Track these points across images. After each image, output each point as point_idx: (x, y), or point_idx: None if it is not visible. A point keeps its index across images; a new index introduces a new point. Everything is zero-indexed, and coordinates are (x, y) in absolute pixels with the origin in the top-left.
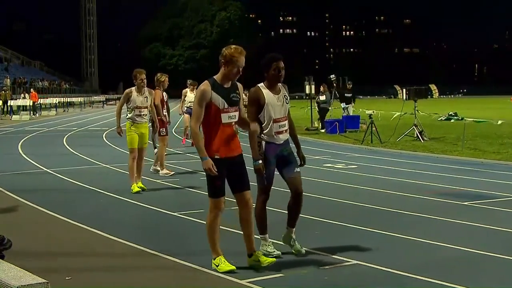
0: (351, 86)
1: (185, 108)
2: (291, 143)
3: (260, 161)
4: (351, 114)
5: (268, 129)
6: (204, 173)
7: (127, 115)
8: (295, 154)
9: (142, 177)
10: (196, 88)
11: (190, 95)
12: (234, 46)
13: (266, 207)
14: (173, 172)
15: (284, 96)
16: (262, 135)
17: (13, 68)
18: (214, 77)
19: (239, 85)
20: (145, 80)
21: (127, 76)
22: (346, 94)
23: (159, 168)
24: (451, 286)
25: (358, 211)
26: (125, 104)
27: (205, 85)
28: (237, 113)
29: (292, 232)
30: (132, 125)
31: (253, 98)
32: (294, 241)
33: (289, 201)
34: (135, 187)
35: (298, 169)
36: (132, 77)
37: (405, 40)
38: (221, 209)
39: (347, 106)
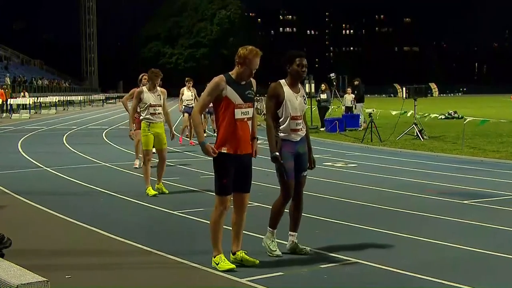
0: (358, 83)
1: (183, 107)
2: None
3: (277, 153)
4: (358, 112)
5: (285, 125)
6: (205, 172)
7: (140, 115)
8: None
9: (142, 175)
10: (192, 86)
11: (187, 93)
12: (250, 47)
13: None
14: (136, 166)
15: (303, 96)
16: (279, 132)
17: (12, 66)
18: (230, 73)
19: (253, 81)
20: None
21: (127, 75)
22: (355, 92)
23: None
24: (453, 285)
25: (358, 209)
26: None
27: (219, 78)
28: (250, 109)
29: (295, 237)
30: (148, 125)
31: (272, 93)
32: (296, 244)
33: (290, 206)
34: (151, 191)
35: (305, 173)
36: (148, 78)
37: (405, 38)
38: (226, 207)
39: (358, 104)
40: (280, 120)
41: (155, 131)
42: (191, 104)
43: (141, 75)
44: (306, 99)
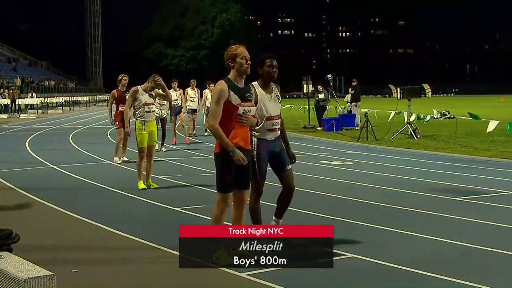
0: (355, 83)
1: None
2: None
3: (254, 153)
4: (355, 112)
5: (261, 126)
6: (206, 169)
7: (135, 114)
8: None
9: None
10: (178, 87)
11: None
12: (231, 46)
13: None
14: (119, 161)
15: (277, 95)
16: (254, 131)
17: (20, 68)
18: (228, 77)
19: (252, 87)
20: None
21: (130, 75)
22: (351, 92)
23: (126, 159)
24: (445, 279)
25: (354, 206)
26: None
27: (222, 84)
28: (252, 108)
29: (279, 223)
30: (143, 124)
31: None
32: None
33: (280, 194)
34: (141, 184)
35: (289, 166)
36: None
37: (400, 41)
38: (228, 203)
39: (354, 103)
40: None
41: (149, 130)
42: (178, 104)
43: (121, 76)
44: (280, 99)
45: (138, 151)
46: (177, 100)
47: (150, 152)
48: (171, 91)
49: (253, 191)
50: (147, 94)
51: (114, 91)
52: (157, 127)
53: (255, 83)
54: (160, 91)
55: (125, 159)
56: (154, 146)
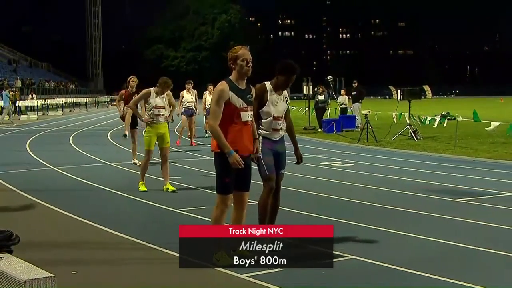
0: (356, 84)
1: (183, 109)
2: (288, 142)
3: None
4: (357, 113)
5: (267, 124)
6: (206, 171)
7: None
8: (292, 152)
9: (147, 175)
10: (192, 88)
11: (187, 96)
12: (235, 47)
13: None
14: (138, 162)
15: (285, 97)
16: (260, 130)
17: (21, 69)
18: (230, 77)
19: (252, 88)
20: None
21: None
22: (352, 93)
23: (137, 161)
24: (442, 279)
25: (353, 207)
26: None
27: (223, 85)
28: (251, 112)
29: None
30: (152, 126)
31: (257, 93)
32: None
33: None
34: (143, 186)
35: (283, 170)
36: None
37: (400, 42)
38: (227, 205)
39: (355, 104)
40: (263, 120)
41: (158, 132)
42: (191, 106)
43: (129, 78)
44: (289, 100)
45: (145, 152)
46: (192, 102)
47: (164, 155)
48: (184, 92)
49: (265, 187)
50: (158, 98)
51: (123, 91)
52: None
53: (267, 83)
54: (171, 95)
55: (136, 162)
56: (167, 149)
